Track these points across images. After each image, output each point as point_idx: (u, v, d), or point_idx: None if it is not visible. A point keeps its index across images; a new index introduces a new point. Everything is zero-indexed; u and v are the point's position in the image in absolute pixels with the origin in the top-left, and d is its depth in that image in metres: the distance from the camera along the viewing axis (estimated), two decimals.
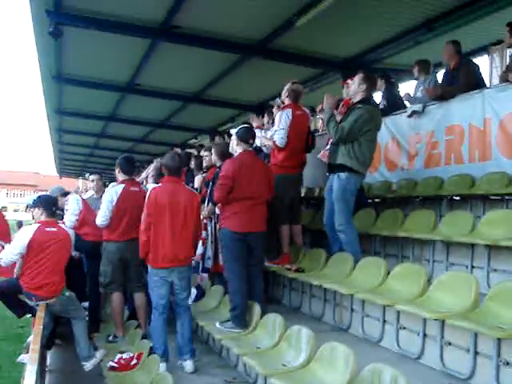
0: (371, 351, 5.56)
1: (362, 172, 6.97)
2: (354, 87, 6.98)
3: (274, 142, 7.38)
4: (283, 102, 7.89)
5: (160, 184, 6.24)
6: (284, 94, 7.77)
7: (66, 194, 9.41)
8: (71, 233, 6.73)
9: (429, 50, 9.95)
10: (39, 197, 7.11)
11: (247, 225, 6.30)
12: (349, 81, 7.33)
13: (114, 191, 7.09)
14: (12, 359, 6.10)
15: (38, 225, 6.42)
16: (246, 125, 7.19)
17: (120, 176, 7.29)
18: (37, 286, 6.22)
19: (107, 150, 26.27)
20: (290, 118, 7.40)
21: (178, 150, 18.27)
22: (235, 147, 6.62)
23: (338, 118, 7.07)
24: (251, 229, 6.34)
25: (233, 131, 7.69)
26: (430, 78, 8.90)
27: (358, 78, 6.96)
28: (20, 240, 6.32)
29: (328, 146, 7.39)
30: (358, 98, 6.95)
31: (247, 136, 6.60)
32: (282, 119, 7.45)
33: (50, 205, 6.66)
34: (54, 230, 6.45)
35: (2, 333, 12.53)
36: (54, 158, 33.86)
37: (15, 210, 70.93)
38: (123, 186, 7.11)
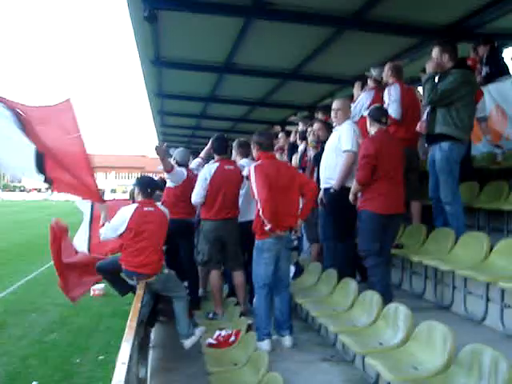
0: (474, 331, 5.37)
1: (464, 138, 6.67)
2: (439, 61, 6.68)
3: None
4: (386, 83, 7.75)
5: (260, 161, 6.20)
6: (387, 73, 7.65)
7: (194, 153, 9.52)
8: (167, 212, 6.85)
9: None
10: (137, 178, 7.31)
11: (392, 207, 6.22)
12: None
13: (208, 169, 7.20)
14: (120, 335, 6.36)
15: (136, 205, 6.60)
16: (376, 105, 6.99)
17: (215, 155, 7.41)
18: (137, 265, 6.41)
19: (209, 130, 26.65)
20: (399, 90, 7.23)
21: (279, 127, 18.32)
22: (369, 128, 6.48)
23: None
24: (396, 210, 6.28)
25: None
26: None
27: (436, 52, 6.72)
28: (119, 219, 6.53)
29: (424, 117, 7.12)
30: (448, 67, 6.65)
31: (380, 115, 6.45)
32: (391, 92, 7.33)
33: (146, 186, 6.82)
34: (151, 209, 6.60)
35: (111, 310, 13.16)
36: (158, 140, 34.81)
37: (123, 192, 73.99)
38: (217, 164, 7.20)
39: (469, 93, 6.57)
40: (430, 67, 6.69)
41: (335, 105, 7.23)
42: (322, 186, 7.12)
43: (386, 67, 7.72)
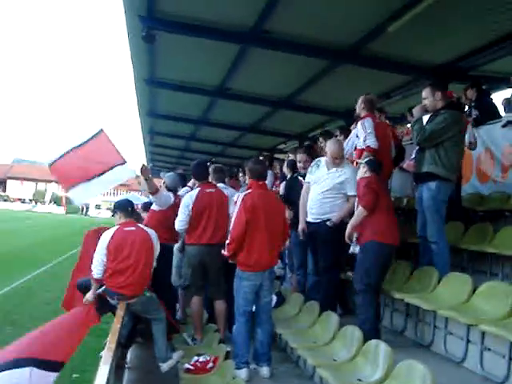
0: (453, 371, 5.36)
1: (451, 179, 6.73)
2: (430, 100, 6.81)
3: (368, 146, 7.16)
4: (358, 116, 7.77)
5: (250, 190, 6.21)
6: (360, 106, 7.66)
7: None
8: (151, 232, 6.79)
9: None
10: (115, 204, 7.27)
11: (396, 238, 6.31)
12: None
13: (189, 196, 7.18)
14: (96, 354, 6.29)
15: (116, 227, 6.59)
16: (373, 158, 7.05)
17: (195, 181, 7.46)
18: (118, 286, 6.35)
19: (197, 152, 26.69)
20: (371, 123, 7.28)
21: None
22: (363, 174, 6.52)
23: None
24: (396, 241, 6.35)
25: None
26: None
27: (427, 92, 6.83)
28: (99, 249, 6.52)
29: (413, 156, 7.18)
30: (439, 107, 6.75)
31: (378, 168, 6.54)
32: (365, 124, 7.33)
33: (126, 207, 6.82)
34: (133, 229, 6.57)
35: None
36: (146, 159, 34.77)
37: (108, 208, 74.04)
38: (198, 189, 7.21)
39: (457, 133, 6.67)
40: (417, 111, 6.82)
41: (335, 152, 7.26)
42: (312, 219, 7.20)
43: (360, 100, 7.72)
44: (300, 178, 7.94)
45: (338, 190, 7.19)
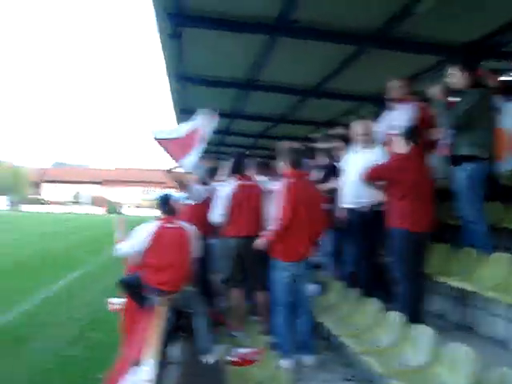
0: (498, 353, 5.28)
1: (486, 157, 6.64)
2: (457, 79, 6.72)
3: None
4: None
5: (292, 179, 6.22)
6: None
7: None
8: (190, 229, 6.84)
9: None
10: (159, 196, 7.36)
11: (423, 225, 6.18)
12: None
13: (228, 189, 7.23)
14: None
15: (158, 223, 6.64)
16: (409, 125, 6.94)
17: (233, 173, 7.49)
18: (157, 282, 6.42)
19: (233, 146, 26.77)
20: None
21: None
22: (400, 147, 6.45)
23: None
24: (427, 228, 6.25)
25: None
26: None
27: (455, 70, 6.76)
28: (139, 237, 6.57)
29: (445, 139, 7.07)
30: (466, 86, 6.66)
31: (415, 134, 6.44)
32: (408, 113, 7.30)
33: (164, 203, 6.87)
34: (173, 226, 6.62)
35: None
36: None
37: (138, 206, 75.41)
38: (237, 182, 7.24)
39: (488, 111, 6.58)
40: (437, 93, 6.71)
41: (362, 129, 7.23)
42: (347, 204, 7.16)
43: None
44: (337, 165, 7.87)
45: None
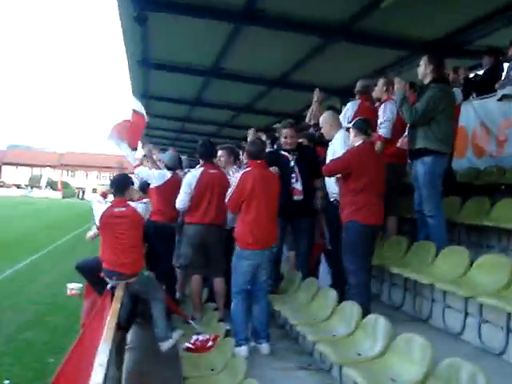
0: (451, 344, 5.40)
1: (446, 152, 6.75)
2: (422, 70, 6.82)
3: (380, 136, 7.24)
4: (378, 99, 7.82)
5: (249, 168, 6.24)
6: (381, 89, 7.65)
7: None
8: (140, 210, 6.71)
9: None
10: (111, 179, 7.30)
11: (378, 218, 6.22)
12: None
13: (192, 175, 7.21)
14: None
15: (108, 205, 6.58)
16: (361, 117, 6.91)
17: (200, 160, 7.43)
18: (115, 264, 6.37)
19: (192, 134, 26.65)
20: (395, 108, 7.26)
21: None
22: (353, 139, 6.44)
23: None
24: (380, 222, 6.32)
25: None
26: None
27: (423, 61, 6.80)
28: (95, 213, 6.55)
29: (406, 133, 7.15)
30: (427, 79, 6.76)
31: (366, 126, 6.42)
32: (386, 111, 7.34)
33: (116, 185, 6.79)
34: (123, 209, 6.53)
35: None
36: (140, 141, 34.71)
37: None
38: (202, 169, 7.21)
39: (448, 106, 6.66)
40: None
41: (320, 120, 7.28)
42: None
43: (381, 82, 7.72)
44: (283, 153, 7.73)
45: None
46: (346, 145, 6.67)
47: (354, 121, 6.59)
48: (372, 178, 6.12)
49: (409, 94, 7.22)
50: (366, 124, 6.45)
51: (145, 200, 6.99)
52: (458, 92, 8.15)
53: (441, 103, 6.51)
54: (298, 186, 7.27)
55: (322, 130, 7.24)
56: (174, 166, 8.40)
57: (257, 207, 6.00)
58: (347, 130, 6.87)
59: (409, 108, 6.60)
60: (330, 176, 6.55)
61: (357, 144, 6.34)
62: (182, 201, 7.15)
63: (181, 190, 7.20)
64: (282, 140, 7.57)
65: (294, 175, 7.29)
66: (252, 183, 6.00)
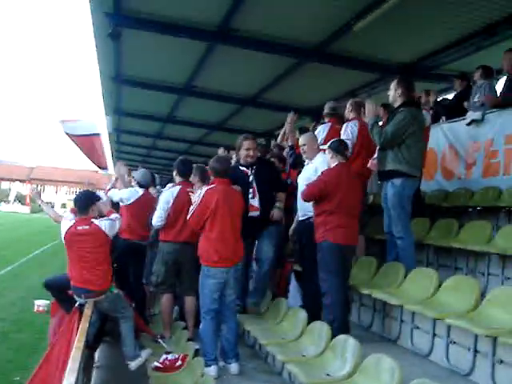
0: (419, 365, 5.42)
1: (416, 175, 6.83)
2: (392, 93, 6.91)
3: None
4: (347, 119, 7.98)
5: (213, 185, 6.22)
6: (348, 108, 7.84)
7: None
8: (105, 226, 6.64)
9: (490, 55, 9.65)
10: (74, 198, 7.18)
11: (351, 238, 6.28)
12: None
13: (170, 192, 7.15)
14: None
15: (72, 223, 6.51)
16: (337, 138, 6.98)
17: (177, 178, 7.37)
18: (83, 281, 6.30)
19: (164, 151, 26.64)
20: (357, 129, 7.34)
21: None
22: (329, 160, 6.50)
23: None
24: (354, 242, 6.37)
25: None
26: (484, 83, 8.56)
27: (393, 85, 6.89)
28: (61, 229, 6.49)
29: (375, 155, 7.24)
30: (398, 102, 6.85)
31: (342, 148, 6.51)
32: (347, 130, 7.48)
33: (78, 204, 6.72)
34: (86, 228, 6.47)
35: None
36: (112, 157, 34.53)
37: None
38: (180, 187, 7.18)
39: (418, 129, 6.73)
40: (369, 112, 6.84)
41: (301, 140, 7.27)
42: (300, 216, 7.16)
43: (348, 103, 7.88)
44: (242, 168, 7.58)
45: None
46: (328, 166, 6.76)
47: (330, 142, 6.64)
48: (345, 199, 6.18)
49: (382, 115, 7.33)
50: (342, 145, 6.53)
51: (113, 216, 6.93)
52: (426, 115, 8.26)
53: (410, 126, 6.59)
54: (255, 202, 6.97)
55: (305, 150, 7.19)
56: (147, 184, 8.36)
57: (221, 224, 5.97)
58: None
59: (378, 131, 6.68)
60: (309, 201, 6.50)
61: (333, 165, 6.41)
62: (159, 217, 7.10)
63: (158, 207, 7.16)
64: (244, 153, 7.14)
65: (251, 191, 7.00)
66: (216, 200, 5.99)
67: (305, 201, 6.52)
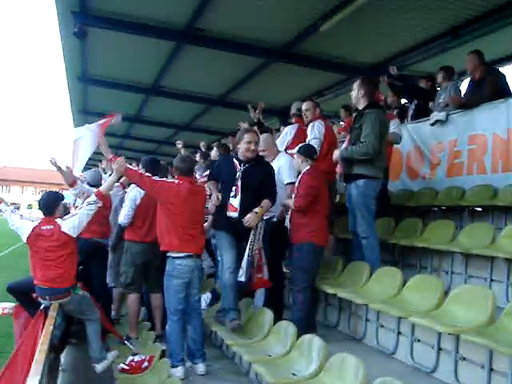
0: (384, 363, 5.47)
1: (379, 176, 6.89)
2: (354, 94, 6.93)
3: None
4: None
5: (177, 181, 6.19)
6: (312, 110, 7.84)
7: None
8: (67, 226, 6.56)
9: (455, 57, 9.80)
10: (39, 199, 7.09)
11: (325, 238, 6.47)
12: None
13: (137, 190, 7.08)
14: None
15: (36, 223, 6.43)
16: (305, 143, 7.04)
17: None
18: (46, 279, 6.22)
19: (131, 151, 26.46)
20: (323, 128, 7.40)
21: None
22: (300, 164, 6.53)
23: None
24: (327, 242, 6.56)
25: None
26: (450, 84, 8.69)
27: (355, 85, 6.89)
28: (22, 228, 6.40)
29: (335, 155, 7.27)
30: (361, 104, 6.87)
31: (312, 152, 6.61)
32: (314, 129, 7.49)
33: (44, 205, 6.65)
34: (50, 228, 6.39)
35: None
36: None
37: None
38: None
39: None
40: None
41: (261, 145, 7.14)
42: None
43: (310, 105, 7.89)
44: (235, 161, 7.54)
45: (280, 183, 6.74)
46: (293, 169, 6.79)
47: (299, 147, 6.69)
48: (324, 201, 6.37)
49: (343, 116, 7.39)
50: (311, 149, 6.61)
51: (86, 203, 6.82)
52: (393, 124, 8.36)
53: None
54: (235, 201, 6.27)
55: (266, 152, 7.16)
56: (95, 183, 8.30)
57: (183, 221, 5.96)
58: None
59: (357, 146, 6.63)
60: (304, 211, 6.49)
61: (305, 169, 6.45)
62: (126, 215, 7.05)
63: (125, 205, 7.12)
64: (244, 146, 6.41)
65: (234, 188, 6.30)
66: (180, 194, 5.97)
67: (300, 211, 6.44)
